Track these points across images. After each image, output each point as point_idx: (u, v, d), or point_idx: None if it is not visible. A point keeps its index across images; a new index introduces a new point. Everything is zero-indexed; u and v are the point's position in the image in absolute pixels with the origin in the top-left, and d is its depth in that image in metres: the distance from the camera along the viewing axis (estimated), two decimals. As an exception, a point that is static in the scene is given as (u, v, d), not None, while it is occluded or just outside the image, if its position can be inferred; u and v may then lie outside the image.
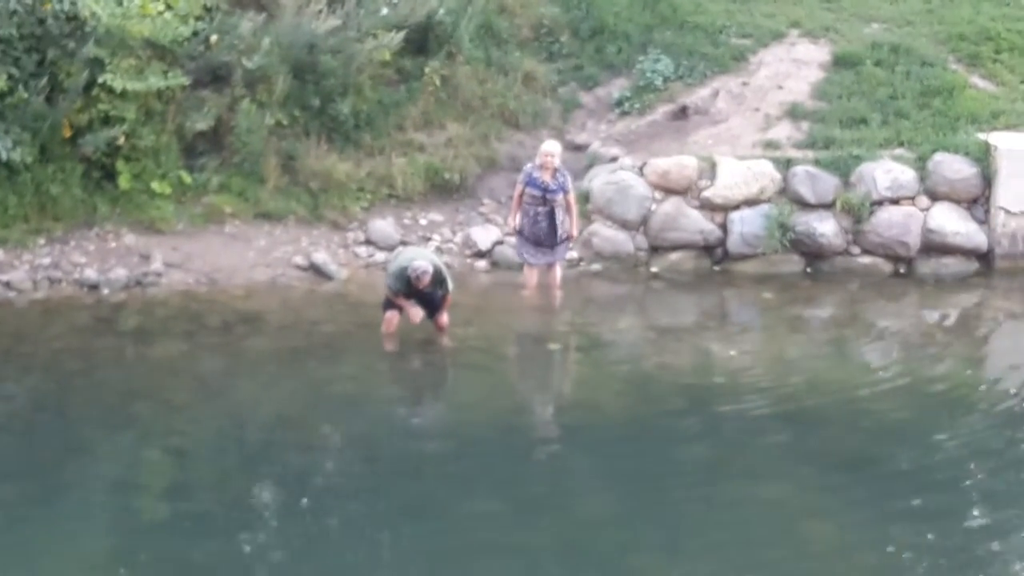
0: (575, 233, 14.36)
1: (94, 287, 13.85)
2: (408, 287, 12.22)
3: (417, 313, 12.44)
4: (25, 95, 14.06)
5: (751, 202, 15.28)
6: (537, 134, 16.34)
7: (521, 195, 14.10)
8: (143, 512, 9.36)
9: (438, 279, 12.28)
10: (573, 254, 15.07)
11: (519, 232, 14.21)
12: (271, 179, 15.32)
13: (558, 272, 14.33)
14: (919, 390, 11.98)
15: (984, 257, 15.41)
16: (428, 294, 12.40)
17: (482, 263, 15.06)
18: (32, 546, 8.57)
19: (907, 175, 15.38)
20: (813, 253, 15.25)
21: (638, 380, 12.21)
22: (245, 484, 9.73)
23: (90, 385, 11.67)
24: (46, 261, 14.10)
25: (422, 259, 12.23)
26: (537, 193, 13.94)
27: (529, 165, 14.21)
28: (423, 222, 15.61)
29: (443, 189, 15.93)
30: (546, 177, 13.94)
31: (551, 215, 13.98)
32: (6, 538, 8.68)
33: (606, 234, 15.32)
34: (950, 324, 14.51)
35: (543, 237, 14.05)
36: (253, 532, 9.04)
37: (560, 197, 14.00)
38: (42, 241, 14.31)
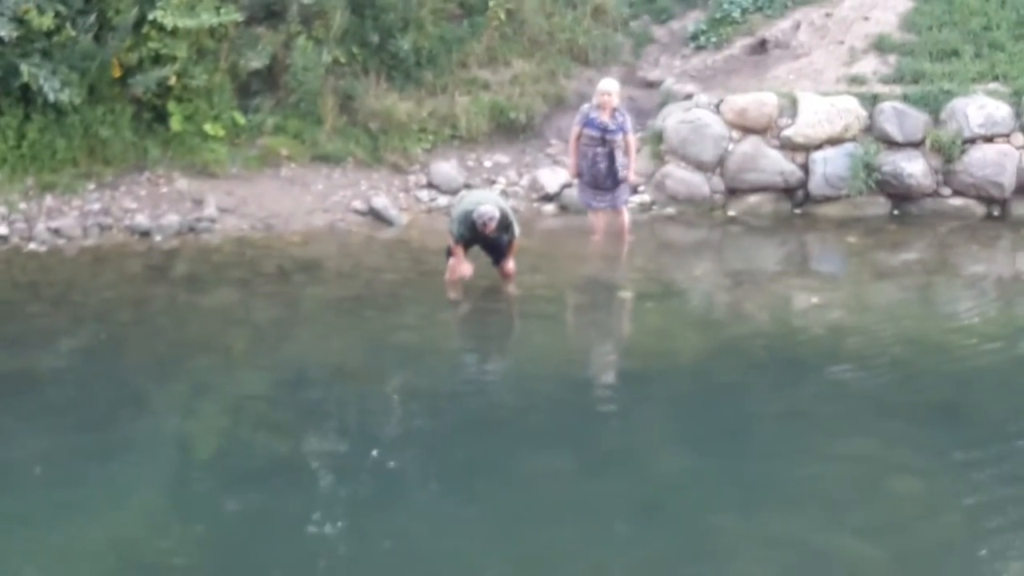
0: (633, 176, 14.08)
1: (146, 234, 13.79)
2: (473, 232, 12.01)
3: (467, 268, 12.21)
4: (73, 33, 13.93)
5: (835, 141, 14.93)
6: (607, 70, 16.33)
7: (578, 137, 13.80)
8: (199, 467, 9.22)
9: (504, 224, 12.05)
10: (645, 197, 14.97)
11: (579, 176, 13.96)
12: (328, 120, 15.25)
13: (626, 217, 14.06)
14: (1014, 340, 11.54)
15: (1084, 198, 14.96)
16: (494, 240, 12.17)
17: (549, 207, 14.91)
18: (86, 501, 8.40)
19: (1002, 111, 14.92)
20: (900, 195, 14.88)
21: (714, 330, 11.88)
22: (302, 438, 9.52)
23: (143, 335, 11.50)
24: (96, 207, 14.03)
25: (488, 203, 11.99)
26: (595, 134, 13.64)
27: (586, 105, 13.92)
28: (488, 164, 15.52)
29: (508, 129, 15.85)
30: (604, 117, 13.61)
31: (610, 156, 13.67)
32: (60, 493, 8.50)
33: (680, 176, 15.05)
34: (1048, 269, 14.12)
35: (602, 179, 13.76)
36: (311, 488, 8.79)
37: (620, 138, 13.68)
38: (92, 186, 14.27)
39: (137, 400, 10.11)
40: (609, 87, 13.68)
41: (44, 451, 9.08)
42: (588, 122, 13.61)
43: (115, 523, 8.16)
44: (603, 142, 13.59)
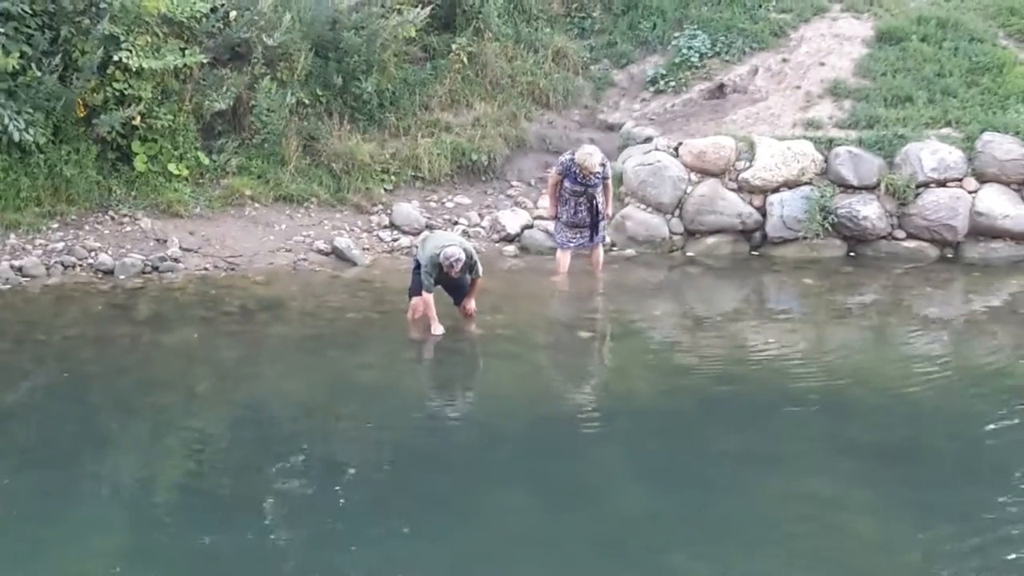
0: (610, 213, 14.24)
1: (109, 273, 13.72)
2: (439, 273, 12.04)
3: (440, 328, 12.17)
4: (38, 74, 13.92)
5: (791, 184, 15.04)
6: (568, 113, 16.46)
7: (557, 184, 13.87)
8: (161, 504, 9.12)
9: (468, 265, 12.13)
10: (606, 239, 14.76)
11: (557, 218, 14.05)
12: (292, 160, 15.25)
13: (600, 254, 14.15)
14: (967, 380, 11.62)
15: (1035, 241, 15.05)
16: (457, 280, 12.23)
17: (510, 248, 14.94)
18: (49, 539, 8.35)
19: (954, 156, 15.07)
20: (856, 237, 15.00)
21: (673, 370, 11.90)
22: (265, 476, 9.49)
23: (106, 373, 11.44)
24: (59, 246, 13.97)
25: (453, 245, 12.07)
26: (578, 188, 13.75)
27: (567, 156, 13.91)
28: (449, 205, 15.56)
29: (470, 171, 15.91)
30: (587, 175, 13.66)
31: (591, 202, 13.81)
32: (23, 531, 8.45)
33: (640, 218, 15.10)
34: (998, 311, 14.11)
35: (583, 221, 13.91)
36: (273, 525, 8.76)
37: (600, 187, 13.83)
38: (55, 225, 14.25)
39: (100, 439, 10.05)
40: (593, 165, 13.56)
41: (6, 489, 9.00)
42: (570, 176, 13.67)
43: (76, 562, 8.11)
44: (584, 193, 13.71)
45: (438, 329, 12.08)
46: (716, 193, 15.02)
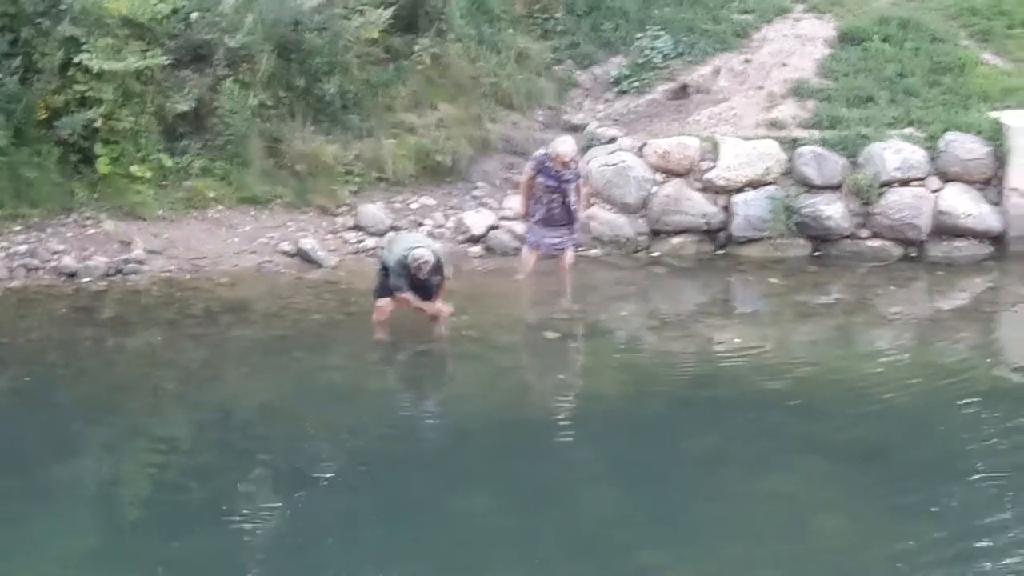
0: (582, 214, 14.18)
1: (72, 275, 13.65)
2: (408, 275, 11.99)
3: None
4: (-2, 76, 13.86)
5: (755, 184, 15.02)
6: (532, 114, 16.46)
7: (531, 181, 13.80)
8: (126, 508, 9.18)
9: (436, 267, 12.09)
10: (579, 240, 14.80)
11: (527, 216, 13.98)
12: (256, 162, 15.18)
13: (571, 256, 14.08)
14: (930, 378, 11.69)
15: (997, 240, 15.10)
16: (424, 282, 12.16)
17: (476, 249, 14.87)
18: (14, 544, 8.37)
19: (917, 155, 15.08)
20: (820, 236, 15.01)
21: (640, 370, 11.92)
22: (231, 478, 9.50)
23: (70, 377, 11.47)
24: (22, 249, 13.91)
25: (422, 247, 12.04)
26: (552, 184, 13.69)
27: (541, 153, 13.88)
28: (414, 206, 15.50)
29: (434, 172, 15.84)
30: (559, 167, 13.62)
31: (564, 200, 13.75)
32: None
33: (605, 218, 15.08)
34: (962, 309, 14.26)
35: (557, 221, 13.82)
36: (239, 528, 8.75)
37: (574, 184, 13.78)
38: (17, 228, 14.18)
39: (63, 442, 10.00)
40: (568, 152, 13.57)
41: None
42: (544, 171, 13.62)
43: (41, 566, 8.10)
44: (558, 190, 13.65)
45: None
46: (681, 193, 15.00)
